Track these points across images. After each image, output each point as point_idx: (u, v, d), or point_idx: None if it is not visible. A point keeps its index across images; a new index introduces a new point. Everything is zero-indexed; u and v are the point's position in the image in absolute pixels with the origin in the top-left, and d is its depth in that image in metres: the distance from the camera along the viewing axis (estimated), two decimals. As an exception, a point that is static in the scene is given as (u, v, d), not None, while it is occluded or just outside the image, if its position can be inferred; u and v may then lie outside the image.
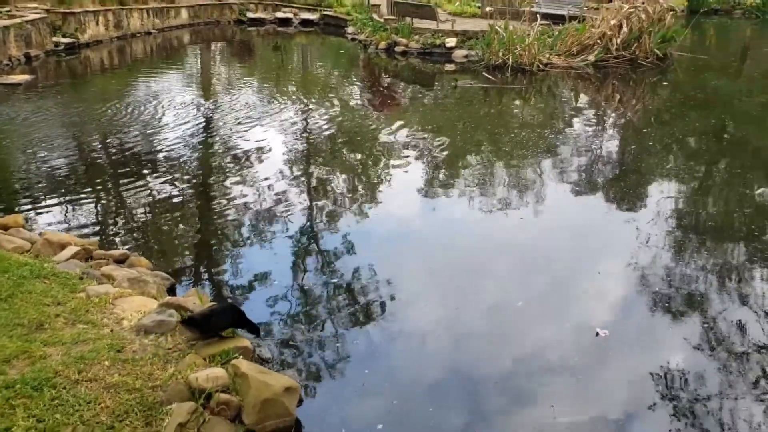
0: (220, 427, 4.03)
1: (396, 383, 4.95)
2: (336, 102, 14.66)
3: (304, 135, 11.92)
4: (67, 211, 8.21)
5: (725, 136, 12.16)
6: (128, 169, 9.77)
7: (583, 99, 15.65)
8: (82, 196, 8.76)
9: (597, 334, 5.50)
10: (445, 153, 11.03)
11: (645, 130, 12.56)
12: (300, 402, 4.51)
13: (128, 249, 6.84)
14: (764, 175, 9.86)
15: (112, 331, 4.70)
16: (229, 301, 5.96)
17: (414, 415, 4.60)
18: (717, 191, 9.49)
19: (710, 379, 5.01)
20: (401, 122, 12.72)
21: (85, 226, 7.79)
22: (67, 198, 8.60)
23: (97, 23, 20.45)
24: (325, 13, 25.95)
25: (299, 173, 9.90)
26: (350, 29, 23.07)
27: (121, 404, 3.94)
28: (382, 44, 20.13)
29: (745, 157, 10.87)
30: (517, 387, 4.94)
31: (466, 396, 4.83)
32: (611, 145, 11.76)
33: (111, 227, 7.86)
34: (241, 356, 4.52)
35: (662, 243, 7.39)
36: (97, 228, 7.80)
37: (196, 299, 5.29)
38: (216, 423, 4.03)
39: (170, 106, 13.28)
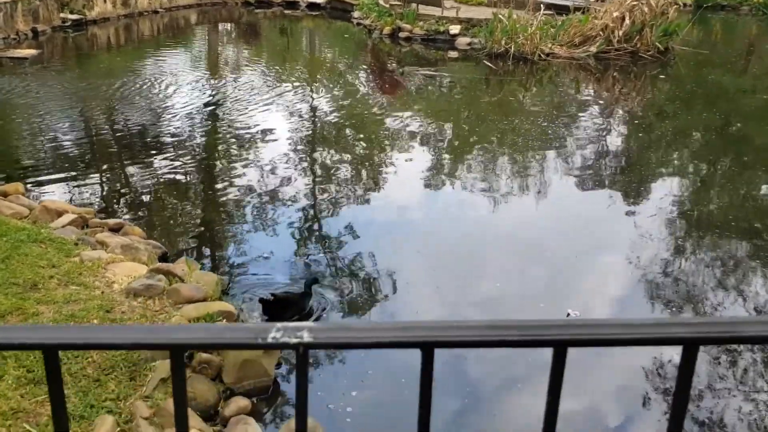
0: (201, 385, 4.26)
1: (371, 354, 5.15)
2: (340, 86, 14.83)
3: (308, 118, 12.11)
4: (67, 183, 8.43)
5: (723, 131, 12.29)
6: (131, 144, 9.99)
7: (583, 90, 15.78)
8: (84, 168, 8.99)
9: (568, 314, 5.71)
10: (446, 138, 11.22)
11: (639, 122, 12.71)
12: (279, 364, 4.75)
13: (125, 219, 7.09)
14: (765, 172, 9.99)
15: (102, 293, 4.94)
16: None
17: (385, 385, 4.83)
18: (712, 185, 9.66)
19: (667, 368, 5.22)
20: (403, 107, 12.89)
21: (84, 196, 8.02)
22: (69, 170, 8.82)
23: (105, 1, 20.61)
24: (332, -4, 26.06)
25: (301, 155, 10.10)
26: (356, 14, 23.13)
27: (108, 359, 4.18)
28: (387, 30, 20.23)
29: (744, 153, 11.00)
30: (485, 359, 5.16)
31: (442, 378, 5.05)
32: (608, 136, 11.90)
33: (110, 199, 8.10)
34: (224, 320, 4.76)
35: (652, 233, 7.55)
36: (96, 199, 8.04)
37: (184, 266, 5.52)
38: (197, 381, 4.27)
39: (176, 85, 13.47)
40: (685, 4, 24.16)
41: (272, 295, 5.37)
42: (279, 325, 0.98)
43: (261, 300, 5.32)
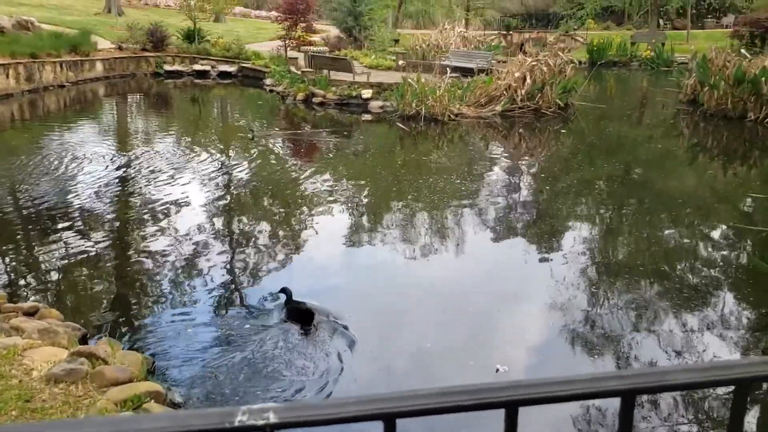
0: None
1: None
2: (255, 152, 14.86)
3: (224, 186, 12.04)
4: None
5: (625, 179, 12.99)
6: (40, 223, 9.65)
7: (492, 147, 16.40)
8: (-10, 250, 8.61)
9: (497, 370, 5.84)
10: (365, 201, 11.38)
11: (546, 175, 13.29)
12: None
13: (40, 303, 6.79)
14: (666, 217, 10.57)
15: (20, 381, 4.70)
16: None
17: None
18: (618, 231, 10.15)
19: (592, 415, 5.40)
20: (321, 171, 13.03)
21: (-7, 281, 7.67)
22: (-26, 253, 8.43)
23: (7, 76, 20.08)
24: (243, 65, 26.26)
25: (218, 225, 10.00)
26: (268, 81, 23.42)
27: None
28: (300, 95, 20.56)
29: (645, 197, 11.65)
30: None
31: None
32: (518, 190, 12.38)
33: (22, 282, 7.76)
34: (152, 400, 4.61)
35: (567, 281, 7.85)
36: (7, 283, 7.68)
37: (107, 347, 5.34)
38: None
39: (85, 159, 13.17)
40: (580, 62, 25.67)
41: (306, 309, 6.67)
42: (244, 408, 1.02)
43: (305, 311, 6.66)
